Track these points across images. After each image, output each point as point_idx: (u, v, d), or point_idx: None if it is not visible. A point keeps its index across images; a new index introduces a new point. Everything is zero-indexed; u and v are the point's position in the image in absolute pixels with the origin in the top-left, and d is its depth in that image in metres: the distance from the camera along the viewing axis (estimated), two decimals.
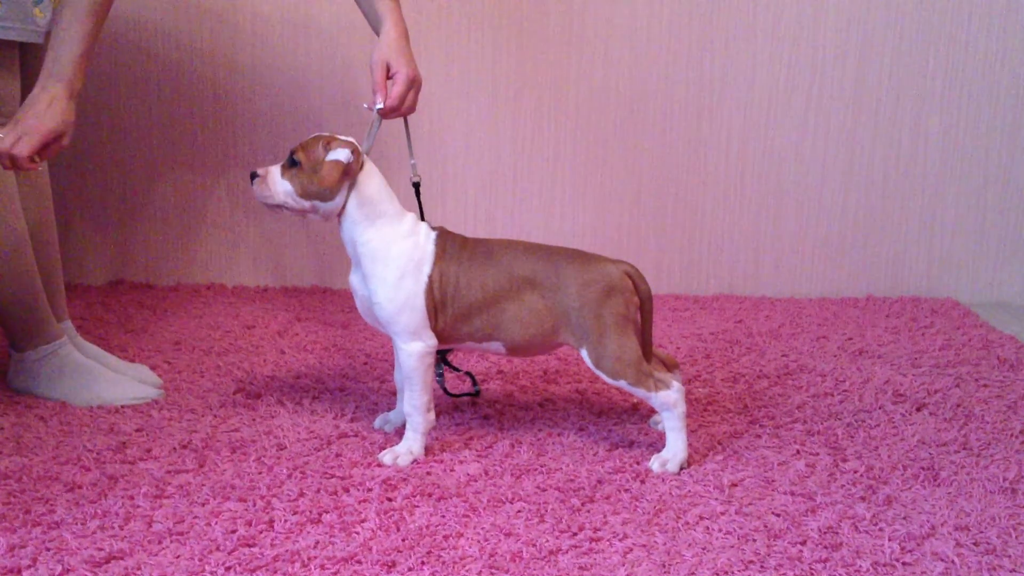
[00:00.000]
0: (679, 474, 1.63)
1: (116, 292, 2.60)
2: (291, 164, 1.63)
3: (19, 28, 1.74)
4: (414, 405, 1.67)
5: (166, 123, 2.64)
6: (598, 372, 1.65)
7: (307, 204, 1.64)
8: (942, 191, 2.75)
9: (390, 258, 1.64)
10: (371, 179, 1.65)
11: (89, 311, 2.41)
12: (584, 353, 1.65)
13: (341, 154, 1.60)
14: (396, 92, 1.75)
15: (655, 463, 1.64)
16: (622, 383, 1.64)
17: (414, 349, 1.65)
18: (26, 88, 1.88)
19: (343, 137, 1.64)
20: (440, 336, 1.67)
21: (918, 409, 1.92)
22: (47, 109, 1.62)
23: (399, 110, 1.77)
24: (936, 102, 2.70)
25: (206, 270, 2.73)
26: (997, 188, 2.75)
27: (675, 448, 1.65)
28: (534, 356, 1.78)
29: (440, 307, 1.65)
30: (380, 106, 1.75)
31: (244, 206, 2.70)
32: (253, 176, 1.67)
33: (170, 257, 2.71)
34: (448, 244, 1.67)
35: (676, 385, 1.65)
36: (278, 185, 1.64)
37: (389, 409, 1.85)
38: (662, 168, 2.72)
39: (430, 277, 1.64)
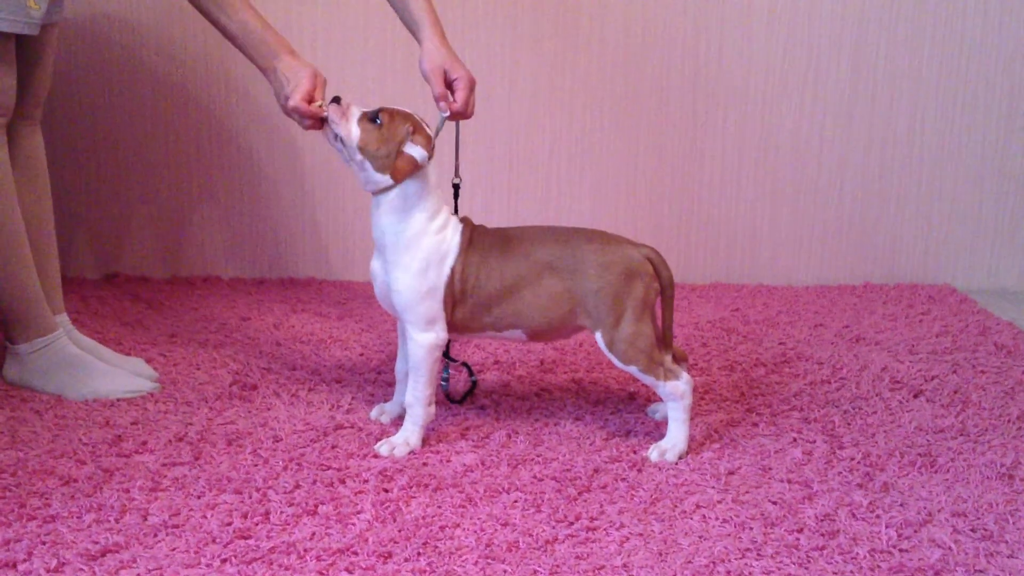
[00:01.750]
0: (676, 463, 1.63)
1: (111, 286, 2.60)
2: (372, 119, 1.63)
3: (10, 20, 1.72)
4: (417, 397, 1.66)
5: (161, 117, 2.63)
6: (610, 355, 1.65)
7: (358, 158, 1.63)
8: (939, 178, 2.75)
9: (419, 249, 1.63)
10: (427, 175, 1.65)
11: (84, 305, 2.40)
12: (598, 336, 1.65)
13: (418, 153, 1.62)
14: (463, 97, 1.76)
15: (654, 452, 1.64)
16: (633, 369, 1.64)
17: (426, 340, 1.65)
18: (24, 78, 1.86)
19: (428, 127, 1.66)
20: (459, 327, 1.68)
21: (915, 396, 1.92)
22: (291, 73, 1.70)
23: (465, 113, 1.78)
24: (932, 89, 2.69)
25: (201, 263, 2.72)
26: (994, 174, 2.74)
27: (676, 438, 1.65)
28: (554, 341, 1.79)
29: (459, 299, 1.65)
30: (447, 114, 1.75)
31: (239, 199, 2.69)
32: (336, 100, 1.65)
33: (165, 250, 2.70)
34: (472, 237, 1.67)
35: (685, 376, 1.65)
36: (351, 124, 1.63)
37: (386, 400, 1.85)
38: (658, 157, 2.71)
39: (452, 269, 1.64)
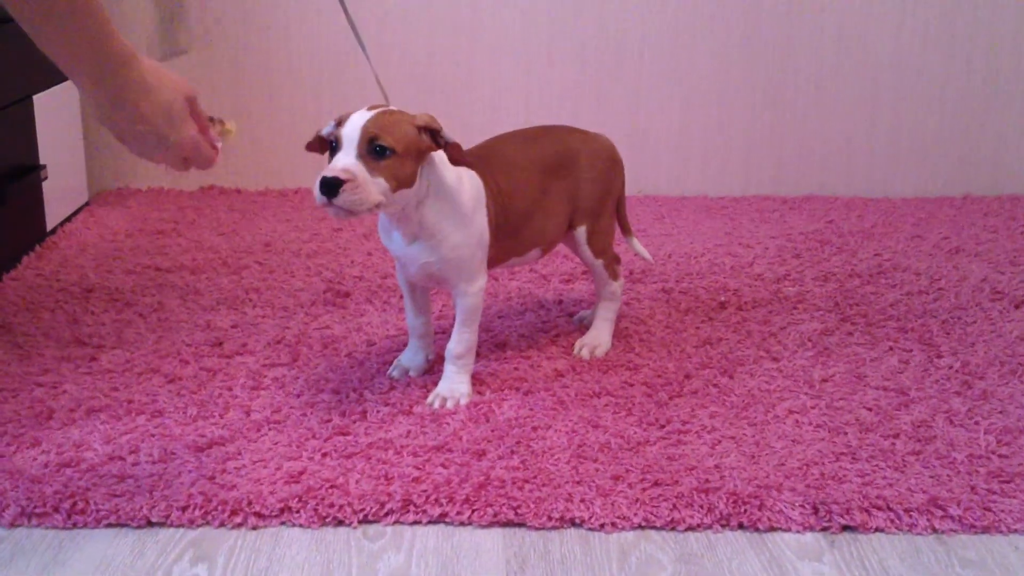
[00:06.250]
0: (766, 372, 1.61)
1: (207, 197, 2.65)
2: (379, 154, 1.34)
3: None
4: (470, 344, 1.53)
5: (279, 29, 2.65)
6: (585, 249, 1.65)
7: (397, 198, 1.37)
8: None
9: (461, 203, 1.45)
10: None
11: (182, 214, 2.46)
12: (582, 230, 1.63)
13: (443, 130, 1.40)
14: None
15: (584, 350, 1.66)
16: (599, 263, 1.66)
17: (477, 288, 1.50)
18: None
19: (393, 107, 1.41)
20: (489, 263, 1.54)
21: (1016, 307, 1.87)
22: (159, 82, 1.14)
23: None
24: None
25: (292, 175, 2.75)
26: None
27: (604, 336, 1.69)
28: (552, 251, 1.72)
29: (493, 236, 1.51)
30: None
31: (330, 111, 2.70)
32: (332, 185, 1.30)
33: (259, 162, 2.74)
34: (483, 169, 1.51)
35: (622, 279, 1.71)
36: (372, 185, 1.33)
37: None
38: (750, 66, 2.64)
39: (487, 207, 1.50)
